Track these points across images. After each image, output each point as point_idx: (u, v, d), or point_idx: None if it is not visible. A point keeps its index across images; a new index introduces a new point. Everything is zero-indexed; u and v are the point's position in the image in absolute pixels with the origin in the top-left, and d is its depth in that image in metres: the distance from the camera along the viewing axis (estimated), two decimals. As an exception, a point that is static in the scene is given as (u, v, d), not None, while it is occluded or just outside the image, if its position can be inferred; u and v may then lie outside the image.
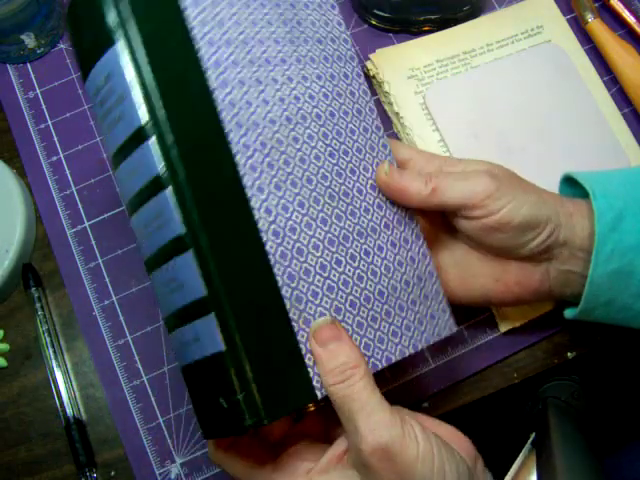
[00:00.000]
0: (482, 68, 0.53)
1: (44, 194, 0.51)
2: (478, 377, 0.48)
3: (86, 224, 0.51)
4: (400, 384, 0.47)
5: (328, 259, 0.37)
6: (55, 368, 0.47)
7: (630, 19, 0.55)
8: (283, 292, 0.35)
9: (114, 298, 0.49)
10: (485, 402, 0.48)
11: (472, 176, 0.39)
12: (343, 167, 0.39)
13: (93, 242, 0.50)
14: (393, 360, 0.37)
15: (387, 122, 0.53)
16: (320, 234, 0.37)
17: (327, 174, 0.39)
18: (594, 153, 0.51)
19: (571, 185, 0.42)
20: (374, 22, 0.55)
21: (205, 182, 0.35)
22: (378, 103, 0.54)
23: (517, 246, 0.39)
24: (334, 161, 0.39)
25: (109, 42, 0.36)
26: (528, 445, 0.74)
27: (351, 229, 0.39)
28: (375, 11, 0.55)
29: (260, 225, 0.35)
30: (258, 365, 0.33)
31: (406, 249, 0.40)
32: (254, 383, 0.33)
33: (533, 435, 0.75)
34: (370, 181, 0.40)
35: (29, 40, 0.53)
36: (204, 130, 0.36)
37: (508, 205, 0.38)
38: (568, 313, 0.42)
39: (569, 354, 0.48)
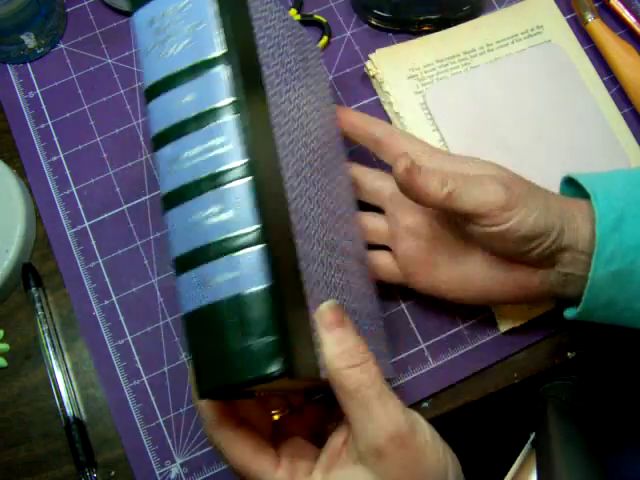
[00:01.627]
0: (482, 68, 0.53)
1: (44, 194, 0.51)
2: (478, 377, 0.48)
3: (86, 224, 0.51)
4: (400, 384, 0.47)
5: None
6: (55, 368, 0.47)
7: (630, 19, 0.55)
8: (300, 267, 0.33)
9: (114, 298, 0.49)
10: (485, 402, 0.48)
11: (486, 184, 0.39)
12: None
13: (93, 242, 0.50)
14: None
15: (387, 122, 0.53)
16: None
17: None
18: (594, 153, 0.51)
19: (572, 186, 0.42)
20: (374, 22, 0.55)
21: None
22: (378, 103, 0.54)
23: (522, 253, 0.39)
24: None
25: None
26: (528, 445, 0.74)
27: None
28: (375, 11, 0.55)
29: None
30: (292, 313, 0.31)
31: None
32: (288, 328, 0.30)
33: (533, 435, 0.75)
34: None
35: (29, 40, 0.53)
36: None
37: (516, 217, 0.38)
38: (568, 313, 0.42)
39: (569, 354, 0.48)
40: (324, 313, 0.33)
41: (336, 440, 0.35)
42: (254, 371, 0.29)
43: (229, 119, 0.32)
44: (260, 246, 0.31)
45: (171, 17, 0.34)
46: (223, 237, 0.31)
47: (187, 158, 0.33)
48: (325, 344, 0.32)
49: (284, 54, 0.39)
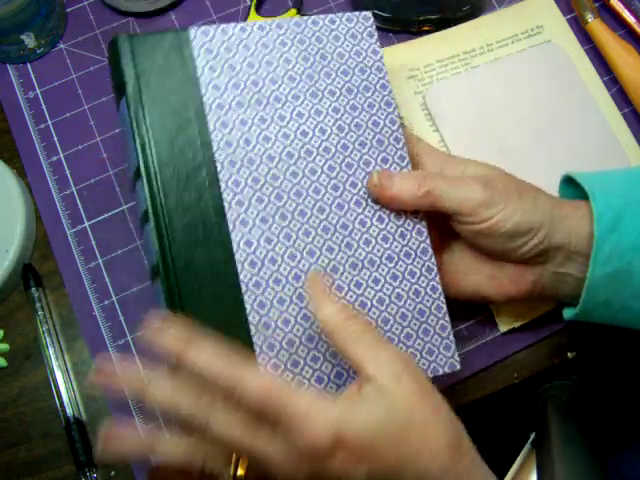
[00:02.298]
0: (482, 68, 0.53)
1: (44, 194, 0.51)
2: (478, 377, 0.48)
3: (86, 224, 0.51)
4: (400, 384, 0.47)
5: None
6: (55, 368, 0.47)
7: (630, 19, 0.55)
8: (250, 318, 0.38)
9: (114, 298, 0.49)
10: (485, 402, 0.48)
11: (466, 183, 0.40)
12: (347, 199, 0.41)
13: (93, 242, 0.50)
14: None
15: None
16: (304, 265, 0.39)
17: (325, 207, 0.40)
18: (594, 153, 0.51)
19: (571, 185, 0.42)
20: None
21: (184, 217, 0.39)
22: (378, 103, 0.54)
23: (509, 250, 0.40)
24: (337, 194, 0.40)
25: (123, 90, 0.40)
26: (528, 445, 0.74)
27: (344, 261, 0.40)
28: (375, 11, 0.55)
29: (237, 256, 0.38)
30: None
31: (411, 282, 0.40)
32: None
33: (533, 435, 0.75)
34: (379, 213, 0.41)
35: (29, 40, 0.53)
36: (191, 170, 0.39)
37: (499, 214, 0.39)
38: (567, 313, 0.42)
39: (569, 354, 0.48)
40: (316, 280, 0.36)
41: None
42: None
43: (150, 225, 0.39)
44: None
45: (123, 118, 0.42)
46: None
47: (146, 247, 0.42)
48: (323, 305, 0.35)
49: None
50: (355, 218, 0.40)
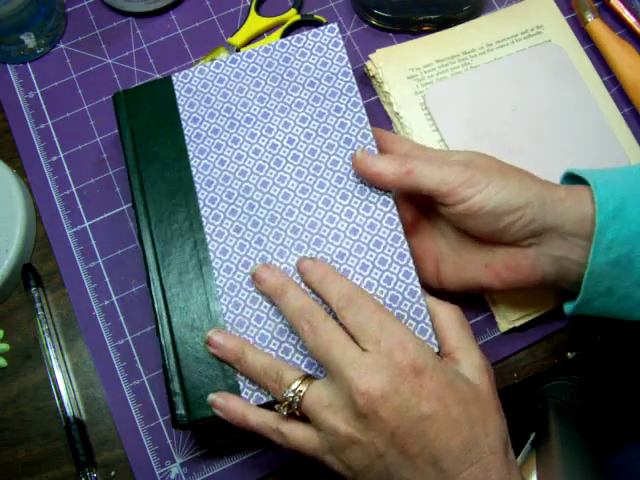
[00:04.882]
0: (482, 68, 0.53)
1: (44, 194, 0.51)
2: (478, 377, 0.48)
3: (86, 224, 0.51)
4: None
5: None
6: (55, 368, 0.47)
7: (630, 19, 0.55)
8: (225, 318, 0.42)
9: (114, 298, 0.49)
10: (485, 402, 0.47)
11: (448, 165, 0.40)
12: (314, 200, 0.43)
13: (93, 242, 0.50)
14: None
15: (387, 122, 0.53)
16: (275, 265, 0.42)
17: (294, 210, 0.43)
18: (594, 153, 0.51)
19: (573, 183, 0.42)
20: (374, 22, 0.55)
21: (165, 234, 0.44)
22: (378, 103, 0.54)
23: (498, 232, 0.40)
24: (304, 196, 0.43)
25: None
26: (528, 445, 0.74)
27: (313, 257, 0.42)
28: (375, 11, 0.55)
29: (214, 263, 0.43)
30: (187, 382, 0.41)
31: (381, 270, 0.41)
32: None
33: (533, 435, 0.75)
34: (347, 208, 0.43)
35: (29, 40, 0.53)
36: (171, 194, 0.45)
37: (479, 194, 0.39)
38: (567, 308, 0.42)
39: (569, 354, 0.48)
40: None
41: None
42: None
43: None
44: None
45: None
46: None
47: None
48: (439, 305, 0.41)
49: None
50: (323, 216, 0.43)
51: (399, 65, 0.53)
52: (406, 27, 0.55)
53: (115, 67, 0.55)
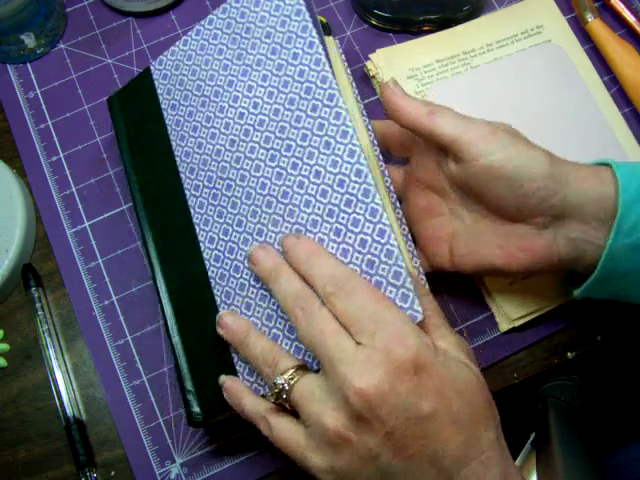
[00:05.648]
0: (482, 68, 0.53)
1: (44, 194, 0.51)
2: (478, 377, 0.48)
3: (86, 224, 0.51)
4: (400, 384, 0.47)
5: None
6: (55, 368, 0.47)
7: (630, 19, 0.55)
8: (220, 309, 0.42)
9: (114, 298, 0.49)
10: (485, 402, 0.47)
11: (473, 121, 0.40)
12: (284, 165, 0.40)
13: (93, 242, 0.50)
14: None
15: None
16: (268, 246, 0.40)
17: (266, 181, 0.40)
18: (594, 153, 0.50)
19: None
20: (374, 22, 0.55)
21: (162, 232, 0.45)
22: (378, 103, 0.54)
23: (518, 198, 0.38)
24: (274, 164, 0.40)
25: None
26: (528, 445, 0.74)
27: (288, 230, 0.39)
28: (375, 11, 0.55)
29: (205, 254, 0.42)
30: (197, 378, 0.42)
31: (355, 233, 0.37)
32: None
33: (533, 435, 0.75)
34: (315, 167, 0.39)
35: (29, 40, 0.53)
36: (162, 189, 0.45)
37: (501, 152, 0.38)
38: (578, 289, 0.41)
39: (569, 354, 0.48)
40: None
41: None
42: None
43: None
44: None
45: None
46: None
47: None
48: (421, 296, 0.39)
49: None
50: (293, 182, 0.39)
51: (399, 65, 0.53)
52: (406, 27, 0.55)
53: (115, 67, 0.55)
